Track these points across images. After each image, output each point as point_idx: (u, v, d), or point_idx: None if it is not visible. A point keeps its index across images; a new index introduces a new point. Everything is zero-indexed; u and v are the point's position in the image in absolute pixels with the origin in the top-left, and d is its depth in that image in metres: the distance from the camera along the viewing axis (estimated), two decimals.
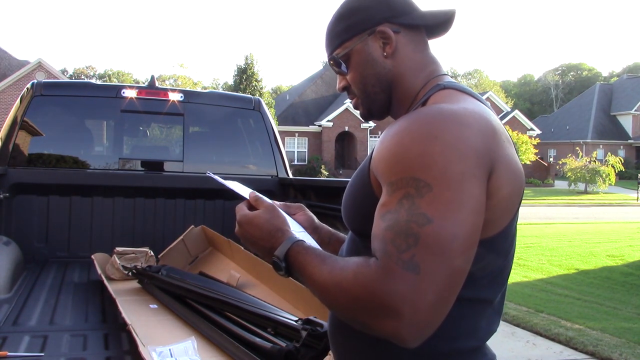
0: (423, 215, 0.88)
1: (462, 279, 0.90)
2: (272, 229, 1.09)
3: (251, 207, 1.17)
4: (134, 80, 60.64)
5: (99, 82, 8.46)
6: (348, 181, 1.27)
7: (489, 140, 0.96)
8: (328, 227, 1.38)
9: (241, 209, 1.16)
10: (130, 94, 4.12)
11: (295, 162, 34.10)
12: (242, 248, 3.31)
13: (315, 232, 1.32)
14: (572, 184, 30.42)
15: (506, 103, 47.37)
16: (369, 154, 1.11)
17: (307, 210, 1.37)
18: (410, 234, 0.87)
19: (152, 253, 3.61)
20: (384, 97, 1.16)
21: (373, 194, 1.02)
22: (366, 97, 1.17)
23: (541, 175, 35.89)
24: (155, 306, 2.90)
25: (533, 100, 74.57)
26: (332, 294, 0.94)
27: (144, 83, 5.22)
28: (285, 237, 1.07)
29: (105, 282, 3.13)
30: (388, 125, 1.05)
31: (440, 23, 1.17)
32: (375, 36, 1.13)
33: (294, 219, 1.27)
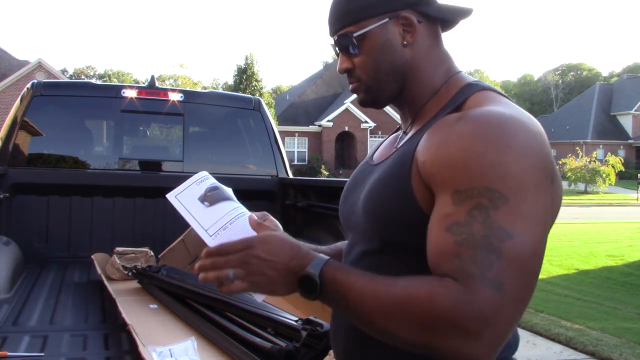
0: (502, 230, 0.82)
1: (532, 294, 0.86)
2: (293, 245, 0.95)
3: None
4: (134, 80, 60.65)
5: (99, 82, 8.47)
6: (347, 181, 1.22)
7: (549, 148, 0.92)
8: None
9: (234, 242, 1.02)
10: (130, 94, 4.12)
11: (295, 162, 34.10)
12: None
13: None
14: (572, 184, 30.42)
15: None
16: (404, 155, 0.99)
17: (271, 217, 1.19)
18: (492, 250, 0.81)
19: (152, 253, 3.61)
20: (395, 88, 1.07)
21: (414, 202, 0.94)
22: (375, 85, 1.07)
23: None
24: (155, 306, 2.90)
25: (533, 100, 74.57)
26: (392, 316, 0.85)
27: (144, 83, 5.22)
28: (312, 254, 0.94)
29: (105, 282, 3.13)
30: (434, 125, 0.97)
31: (453, 19, 1.10)
32: (397, 21, 1.04)
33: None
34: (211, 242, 1.04)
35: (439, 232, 0.86)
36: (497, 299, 0.80)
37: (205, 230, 1.07)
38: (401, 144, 1.09)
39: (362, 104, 1.13)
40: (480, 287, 0.80)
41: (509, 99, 1.00)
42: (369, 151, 1.30)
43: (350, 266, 0.99)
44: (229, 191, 1.20)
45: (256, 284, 0.94)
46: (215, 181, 1.18)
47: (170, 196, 1.14)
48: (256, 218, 1.07)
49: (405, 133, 1.12)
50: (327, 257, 0.94)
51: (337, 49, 1.09)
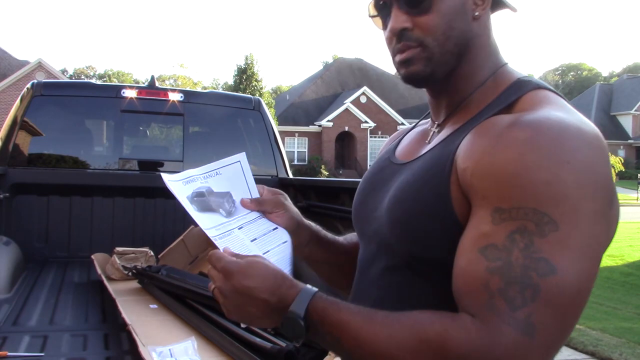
0: (545, 262, 0.69)
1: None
2: (277, 276, 0.83)
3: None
4: (134, 80, 60.66)
5: (99, 82, 8.47)
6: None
7: (610, 165, 0.80)
8: (309, 224, 1.12)
9: (222, 256, 0.88)
10: (130, 94, 4.12)
11: (295, 162, 34.10)
12: None
13: (295, 233, 1.07)
14: None
15: None
16: (442, 157, 0.85)
17: (290, 204, 1.10)
18: (529, 285, 0.69)
19: (152, 253, 3.61)
20: (452, 66, 0.90)
21: (452, 213, 0.80)
22: (440, 53, 0.88)
23: None
24: (155, 306, 2.90)
25: None
26: None
27: (144, 83, 5.22)
28: (297, 287, 0.82)
29: (105, 282, 3.13)
30: (479, 126, 0.83)
31: (500, 8, 0.97)
32: None
33: (272, 221, 1.06)
34: (216, 239, 0.98)
35: (470, 253, 0.74)
36: (525, 345, 0.68)
37: (205, 229, 0.99)
38: (435, 141, 0.93)
39: (410, 77, 0.91)
40: (505, 329, 0.68)
41: (564, 100, 0.86)
42: (386, 146, 1.13)
43: (345, 302, 0.82)
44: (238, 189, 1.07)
45: (239, 317, 0.86)
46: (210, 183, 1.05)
47: (166, 178, 1.03)
48: (262, 192, 1.06)
49: (438, 127, 0.96)
50: (314, 290, 0.81)
51: (395, 2, 0.90)
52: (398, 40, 0.89)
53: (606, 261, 9.62)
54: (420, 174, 0.87)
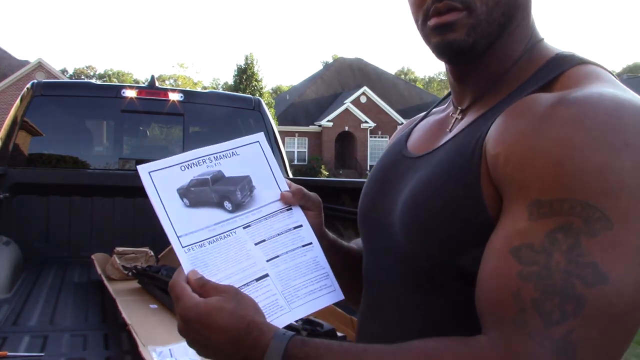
0: (594, 268, 0.55)
1: None
2: (241, 325, 0.68)
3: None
4: (134, 80, 60.69)
5: (99, 82, 8.48)
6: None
7: None
8: (329, 234, 0.98)
9: (182, 293, 0.73)
10: (130, 94, 4.12)
11: (295, 162, 34.11)
12: None
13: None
14: None
15: None
16: (467, 145, 0.70)
17: (320, 210, 0.93)
18: (571, 297, 0.55)
19: (152, 253, 3.61)
20: (495, 36, 0.74)
21: (484, 211, 0.65)
22: (487, 20, 0.72)
23: None
24: (155, 306, 2.90)
25: None
26: None
27: (144, 83, 5.22)
28: (266, 336, 0.67)
29: (105, 282, 3.13)
30: (512, 105, 0.68)
31: None
32: None
33: (305, 214, 0.89)
34: (183, 255, 0.77)
35: (499, 255, 0.60)
36: None
37: (177, 236, 0.78)
38: (457, 128, 0.79)
39: (446, 47, 0.74)
40: (536, 351, 0.55)
41: (615, 76, 0.73)
42: (395, 137, 0.97)
43: (328, 341, 0.67)
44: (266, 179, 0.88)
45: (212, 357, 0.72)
46: (218, 167, 0.85)
47: (142, 169, 0.81)
48: (288, 191, 0.87)
49: (462, 113, 0.82)
50: (288, 337, 0.66)
51: None
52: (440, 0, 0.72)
53: None
54: (443, 167, 0.72)
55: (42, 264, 3.74)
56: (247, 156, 0.88)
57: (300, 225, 0.86)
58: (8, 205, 3.80)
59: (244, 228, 0.82)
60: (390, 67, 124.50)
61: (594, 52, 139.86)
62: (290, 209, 0.87)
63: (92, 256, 3.53)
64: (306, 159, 35.26)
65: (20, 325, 2.60)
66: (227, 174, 0.85)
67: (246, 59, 33.54)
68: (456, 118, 0.82)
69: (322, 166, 33.33)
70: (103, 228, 4.05)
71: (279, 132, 5.05)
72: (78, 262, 3.82)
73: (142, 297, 3.08)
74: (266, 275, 0.79)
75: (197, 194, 0.81)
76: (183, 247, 0.77)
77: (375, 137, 35.41)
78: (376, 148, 34.31)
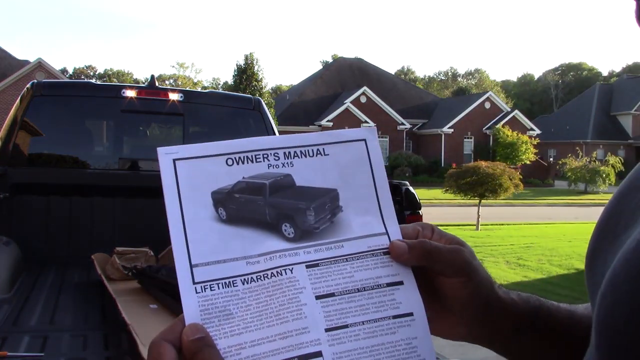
0: None
1: None
2: None
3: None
4: (134, 80, 60.68)
5: (99, 82, 8.47)
6: None
7: None
8: (517, 300, 0.62)
9: None
10: (130, 94, 4.12)
11: None
12: None
13: (480, 320, 0.59)
14: (572, 184, 30.45)
15: (506, 103, 47.42)
16: None
17: (478, 267, 0.58)
18: None
19: (152, 253, 3.61)
20: None
21: None
22: None
23: (541, 175, 35.89)
24: (155, 306, 2.90)
25: (533, 100, 74.60)
26: None
27: (144, 83, 5.22)
28: None
29: (105, 282, 3.13)
30: None
31: None
32: None
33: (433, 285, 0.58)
34: (190, 296, 0.53)
35: None
36: None
37: (189, 265, 0.53)
38: None
39: None
40: None
41: None
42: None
43: None
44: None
45: None
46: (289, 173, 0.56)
47: (163, 153, 0.54)
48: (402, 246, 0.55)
49: None
50: None
51: None
52: None
53: None
54: None
55: (42, 264, 3.75)
56: (340, 159, 0.57)
57: (400, 282, 0.54)
58: (8, 205, 3.80)
59: (307, 267, 0.53)
60: (390, 67, 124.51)
61: (595, 52, 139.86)
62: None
63: (92, 256, 3.53)
64: None
65: (20, 325, 2.60)
66: (299, 182, 0.56)
67: (246, 58, 33.52)
68: None
69: None
70: (103, 228, 4.05)
71: (279, 132, 5.04)
72: (78, 262, 3.82)
73: (142, 297, 3.08)
74: (318, 355, 0.49)
75: (243, 205, 0.54)
76: (194, 284, 0.52)
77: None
78: None
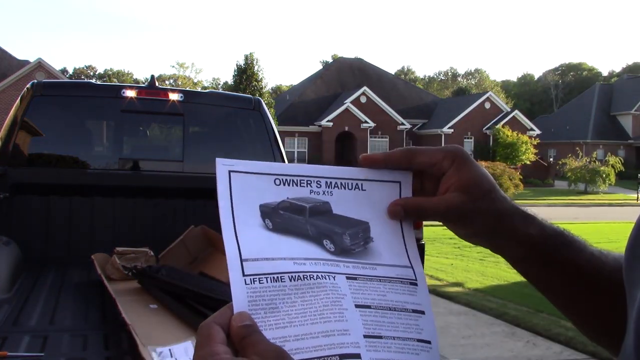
0: None
1: None
2: None
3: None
4: (134, 80, 60.67)
5: (99, 82, 8.47)
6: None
7: None
8: (540, 223, 0.66)
9: (207, 341, 0.47)
10: (130, 94, 4.12)
11: (296, 162, 34.13)
12: None
13: (493, 241, 0.66)
14: (572, 184, 30.46)
15: (506, 103, 47.43)
16: None
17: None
18: None
19: (152, 253, 3.61)
20: None
21: None
22: None
23: (541, 175, 35.88)
24: (155, 306, 2.90)
25: (533, 100, 74.62)
26: None
27: (144, 83, 5.22)
28: None
29: (105, 282, 3.13)
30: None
31: None
32: None
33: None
34: (240, 287, 0.53)
35: None
36: None
37: (240, 259, 0.54)
38: None
39: None
40: None
41: None
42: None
43: None
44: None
45: None
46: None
47: (221, 164, 0.58)
48: None
49: None
50: None
51: None
52: None
53: None
54: None
55: (42, 264, 3.75)
56: (375, 196, 0.63)
57: (422, 312, 0.59)
58: (8, 205, 3.80)
59: (347, 279, 0.57)
60: (390, 67, 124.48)
61: (595, 52, 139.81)
62: (416, 284, 0.60)
63: (92, 256, 3.53)
64: (306, 159, 35.26)
65: (20, 325, 2.60)
66: (335, 210, 0.61)
67: (246, 58, 33.54)
68: None
69: None
70: (103, 228, 4.05)
71: (279, 132, 5.05)
72: (78, 262, 3.82)
73: (142, 297, 3.08)
74: (358, 357, 0.52)
75: (287, 221, 0.59)
76: (244, 275, 0.53)
77: (375, 137, 35.43)
78: (376, 148, 34.30)
